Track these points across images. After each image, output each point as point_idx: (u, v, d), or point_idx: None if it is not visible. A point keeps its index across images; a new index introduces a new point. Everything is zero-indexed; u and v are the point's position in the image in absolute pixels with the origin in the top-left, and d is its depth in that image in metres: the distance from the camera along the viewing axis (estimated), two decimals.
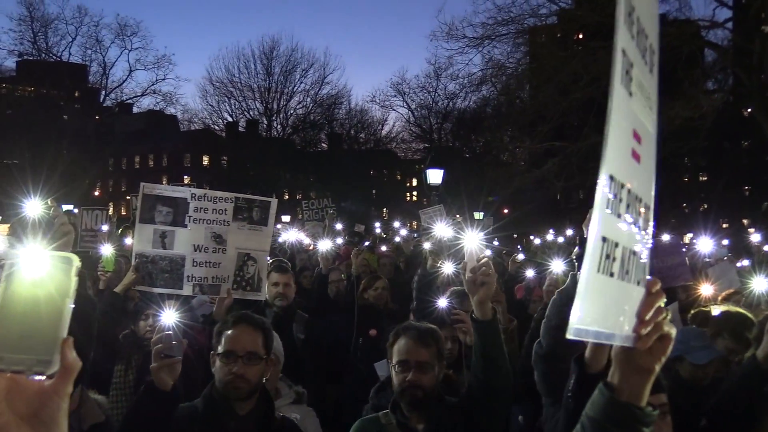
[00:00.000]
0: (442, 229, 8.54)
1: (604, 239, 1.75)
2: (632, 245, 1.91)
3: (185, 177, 62.41)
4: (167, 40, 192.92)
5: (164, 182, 61.69)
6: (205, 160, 73.48)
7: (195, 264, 6.30)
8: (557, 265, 7.43)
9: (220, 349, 4.08)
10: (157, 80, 59.18)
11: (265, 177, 54.57)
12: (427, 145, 63.61)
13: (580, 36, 39.18)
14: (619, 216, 1.82)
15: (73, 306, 1.47)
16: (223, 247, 6.36)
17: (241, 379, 3.98)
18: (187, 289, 6.31)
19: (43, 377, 1.44)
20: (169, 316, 3.94)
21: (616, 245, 1.80)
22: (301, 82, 63.91)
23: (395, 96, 63.44)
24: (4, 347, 1.42)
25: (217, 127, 65.29)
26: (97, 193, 62.08)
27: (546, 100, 31.54)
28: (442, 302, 5.74)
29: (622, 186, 1.80)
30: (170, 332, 3.81)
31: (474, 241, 3.99)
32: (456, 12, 78.58)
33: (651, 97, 1.98)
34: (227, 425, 3.94)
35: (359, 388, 6.46)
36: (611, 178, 1.72)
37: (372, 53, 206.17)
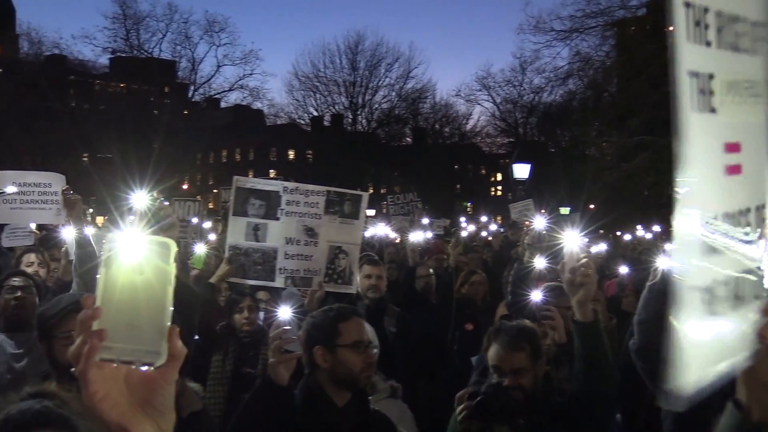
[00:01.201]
0: (541, 223, 8.40)
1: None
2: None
3: (271, 171, 63.19)
4: (254, 36, 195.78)
5: (251, 176, 62.86)
6: (291, 155, 74.17)
7: (287, 256, 6.34)
8: (662, 262, 7.23)
9: (341, 340, 4.05)
10: (244, 75, 60.01)
11: (349, 171, 54.84)
12: (511, 140, 63.02)
13: (671, 27, 38.23)
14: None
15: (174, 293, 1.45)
16: (315, 240, 6.38)
17: (373, 368, 4.00)
18: (279, 281, 6.36)
19: (152, 368, 1.44)
20: (287, 311, 3.95)
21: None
22: (386, 77, 63.92)
23: (480, 90, 62.86)
24: (112, 337, 1.41)
25: (302, 122, 65.82)
26: (185, 187, 63.25)
27: (636, 94, 30.87)
28: (536, 296, 5.64)
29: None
30: (289, 327, 3.81)
31: (575, 241, 3.89)
32: (543, 5, 77.60)
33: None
34: (326, 416, 3.93)
35: (454, 383, 6.41)
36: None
37: (457, 47, 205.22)
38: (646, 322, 4.34)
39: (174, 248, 1.47)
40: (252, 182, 6.44)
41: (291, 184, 6.44)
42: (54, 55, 59.90)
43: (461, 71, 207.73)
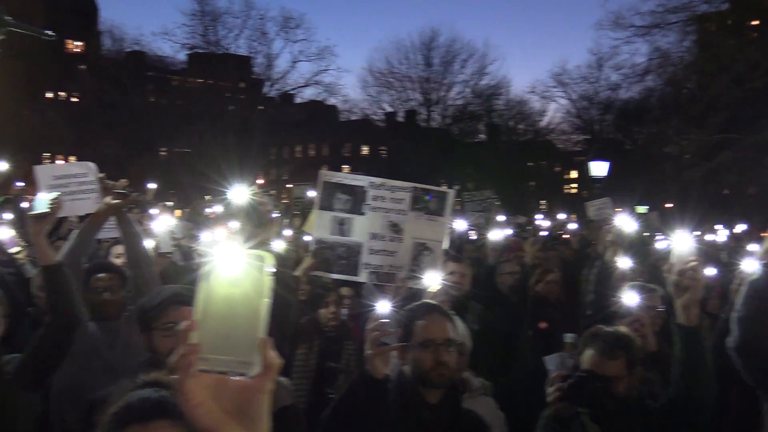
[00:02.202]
0: (625, 222, 8.26)
1: None
2: None
3: (344, 167, 63.48)
4: (329, 32, 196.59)
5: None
6: (365, 150, 74.49)
7: (372, 252, 6.34)
8: (749, 263, 7.06)
9: (414, 338, 4.05)
10: (319, 71, 60.43)
11: (423, 167, 54.79)
12: (587, 137, 62.24)
13: (756, 22, 37.30)
14: None
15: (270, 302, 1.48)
16: (399, 236, 6.37)
17: (445, 366, 3.96)
18: (362, 277, 6.36)
19: (246, 378, 1.46)
20: (385, 305, 3.95)
21: None
22: (461, 73, 63.72)
23: (555, 87, 62.16)
24: (209, 348, 1.44)
25: (376, 118, 66.03)
26: (260, 182, 64.04)
27: (719, 91, 30.16)
28: (628, 299, 5.55)
29: None
30: (387, 320, 3.81)
31: (685, 242, 3.81)
32: (623, 0, 76.37)
33: None
34: (419, 414, 3.92)
35: (526, 381, 6.35)
36: None
37: (532, 43, 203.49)
38: (748, 319, 4.28)
39: (270, 261, 1.50)
40: (338, 177, 6.45)
41: (377, 180, 6.43)
42: (134, 51, 61.23)
43: (536, 68, 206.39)
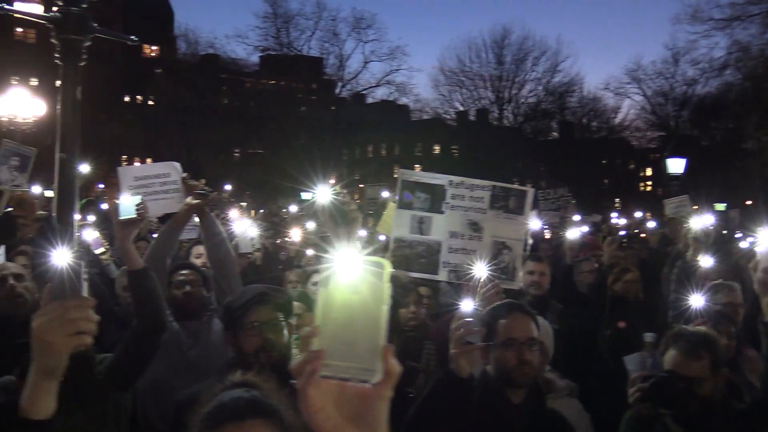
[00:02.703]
0: (707, 220, 8.11)
1: None
2: None
3: (416, 166, 63.47)
4: (401, 32, 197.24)
5: (395, 171, 63.21)
6: (436, 149, 74.31)
7: (451, 250, 6.31)
8: None
9: (497, 337, 4.04)
10: (391, 71, 60.68)
11: (495, 166, 54.50)
12: (662, 134, 61.14)
13: None
14: None
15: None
16: (479, 234, 6.33)
17: (528, 365, 3.93)
18: (442, 275, 6.34)
19: (367, 385, 1.46)
20: (468, 304, 3.95)
21: None
22: (533, 71, 63.16)
23: (630, 83, 61.18)
24: (330, 354, 1.45)
25: (448, 117, 65.87)
26: (333, 182, 64.39)
27: None
28: (697, 301, 5.44)
29: None
30: (471, 319, 3.80)
31: None
32: None
33: None
34: (503, 414, 3.89)
35: (604, 382, 6.26)
36: None
37: (606, 39, 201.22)
38: None
39: (389, 268, 1.49)
40: (417, 175, 6.44)
41: (456, 178, 6.39)
42: (209, 54, 62.18)
43: (610, 64, 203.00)
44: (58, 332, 2.23)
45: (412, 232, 6.31)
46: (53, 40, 5.89)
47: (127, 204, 4.73)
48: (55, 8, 6.04)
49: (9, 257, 7.02)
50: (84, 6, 5.83)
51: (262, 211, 17.58)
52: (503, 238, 6.37)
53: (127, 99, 66.33)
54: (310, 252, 10.85)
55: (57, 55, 5.99)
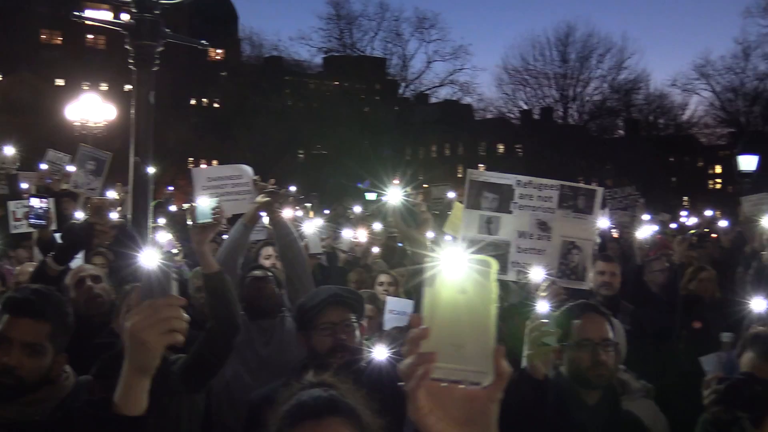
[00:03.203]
0: None
1: None
2: None
3: (480, 166, 63.20)
4: (464, 31, 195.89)
5: (459, 171, 63.09)
6: (500, 149, 73.91)
7: (519, 250, 6.29)
8: None
9: (571, 338, 4.02)
10: (454, 71, 60.64)
11: (560, 165, 53.99)
12: (732, 130, 59.82)
13: None
14: None
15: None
16: (548, 234, 6.29)
17: (602, 365, 3.91)
18: (511, 275, 6.32)
19: (478, 388, 1.44)
20: (544, 305, 3.94)
21: None
22: (598, 68, 62.30)
23: (698, 79, 59.93)
24: (440, 356, 1.42)
25: (512, 116, 65.45)
26: (396, 182, 64.41)
27: None
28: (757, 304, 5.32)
29: None
30: (546, 320, 3.79)
31: None
32: None
33: None
34: (577, 415, 3.87)
35: (680, 383, 6.16)
36: None
37: (673, 35, 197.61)
38: None
39: (495, 267, 1.46)
40: (485, 176, 6.43)
41: (524, 178, 6.37)
42: (272, 56, 62.73)
43: (677, 60, 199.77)
44: (151, 331, 2.29)
45: (480, 232, 6.30)
46: (127, 47, 6.04)
47: (204, 207, 4.78)
48: (125, 15, 6.19)
49: (86, 259, 7.19)
50: (156, 12, 5.96)
51: (327, 212, 17.62)
52: (573, 238, 6.33)
53: (193, 102, 67.16)
54: (375, 251, 10.89)
55: (131, 61, 6.13)
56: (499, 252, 6.27)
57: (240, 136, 52.28)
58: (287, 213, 6.45)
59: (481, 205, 6.29)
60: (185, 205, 21.59)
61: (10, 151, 13.02)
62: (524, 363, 3.84)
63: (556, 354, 4.01)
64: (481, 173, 6.48)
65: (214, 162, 51.19)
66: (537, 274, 5.47)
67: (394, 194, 4.32)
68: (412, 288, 4.50)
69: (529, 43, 70.50)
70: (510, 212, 6.29)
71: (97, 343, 4.87)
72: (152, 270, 2.31)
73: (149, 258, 2.32)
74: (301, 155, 63.99)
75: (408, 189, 4.58)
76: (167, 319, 2.30)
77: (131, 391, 2.40)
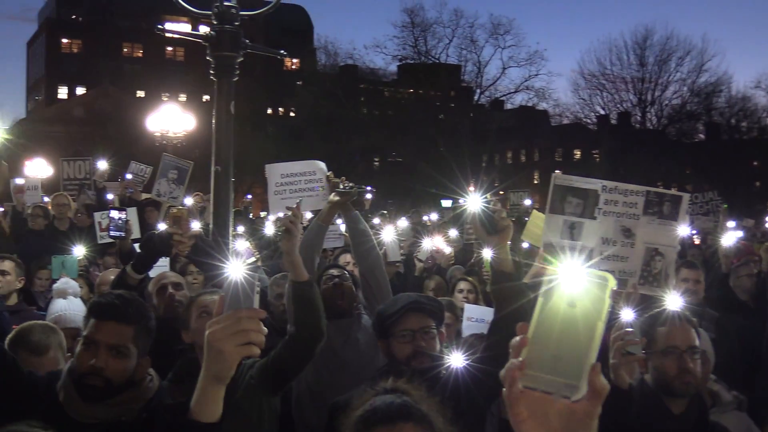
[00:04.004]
0: None
1: None
2: None
3: (556, 172, 62.44)
4: (539, 36, 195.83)
5: (535, 178, 62.64)
6: (577, 154, 73.16)
7: (602, 257, 6.18)
8: None
9: (655, 345, 3.93)
10: (529, 76, 60.20)
11: (638, 170, 53.18)
12: None
13: None
14: None
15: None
16: (631, 241, 6.16)
17: (689, 374, 3.83)
18: None
19: (569, 401, 1.42)
20: (629, 313, 3.88)
21: None
22: (677, 71, 61.34)
23: None
24: (538, 366, 1.42)
25: (588, 121, 64.76)
26: (471, 189, 64.26)
27: None
28: None
29: None
30: (631, 329, 3.73)
31: None
32: None
33: None
34: (663, 424, 3.79)
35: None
36: None
37: (756, 35, 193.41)
38: None
39: (612, 283, 1.44)
40: (571, 180, 6.32)
41: (610, 183, 6.25)
42: (348, 65, 63.20)
43: (761, 61, 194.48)
44: (229, 341, 2.31)
45: (563, 237, 6.21)
46: (208, 58, 6.12)
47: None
48: (203, 27, 6.29)
49: (181, 268, 7.37)
50: (237, 24, 6.04)
51: (403, 219, 17.66)
52: (656, 245, 6.18)
53: (269, 111, 68.14)
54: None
55: (211, 72, 6.22)
56: (581, 258, 6.18)
57: (315, 144, 52.80)
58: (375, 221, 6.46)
59: (565, 210, 6.20)
60: (262, 213, 21.95)
61: (103, 165, 13.48)
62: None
63: (640, 363, 3.93)
64: (567, 177, 6.36)
65: None
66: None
67: (474, 200, 4.27)
68: (492, 294, 4.45)
69: (606, 47, 70.07)
70: (594, 218, 6.19)
71: (178, 349, 4.94)
72: (236, 280, 2.32)
73: (235, 268, 2.34)
74: (376, 163, 64.31)
75: (488, 195, 4.52)
76: (246, 331, 2.32)
77: (206, 398, 2.44)
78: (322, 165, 6.70)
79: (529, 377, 1.42)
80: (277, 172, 6.75)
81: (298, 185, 6.60)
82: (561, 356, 1.41)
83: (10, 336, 4.72)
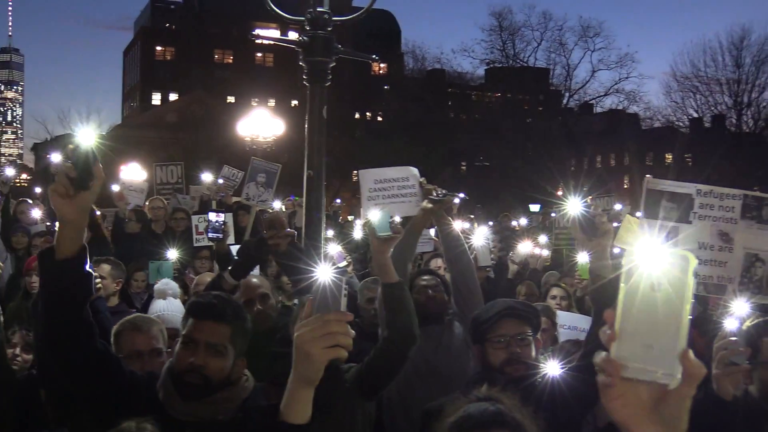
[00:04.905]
0: None
1: None
2: None
3: (647, 176, 61.08)
4: (630, 38, 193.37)
5: (625, 182, 61.53)
6: (668, 159, 71.64)
7: (700, 262, 6.04)
8: None
9: (761, 355, 3.83)
10: (620, 79, 59.38)
11: (732, 174, 51.78)
12: None
13: None
14: None
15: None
16: (729, 245, 6.01)
17: None
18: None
19: (667, 388, 1.41)
20: (732, 322, 3.79)
21: None
22: None
23: None
24: (631, 357, 1.40)
25: (680, 124, 63.30)
26: (559, 194, 63.56)
27: None
28: None
29: None
30: (737, 339, 3.64)
31: None
32: None
33: None
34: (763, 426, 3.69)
35: None
36: None
37: None
38: None
39: (694, 262, 1.40)
40: (663, 184, 6.20)
41: (705, 187, 6.11)
42: (435, 69, 63.30)
43: None
44: (317, 344, 2.36)
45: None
46: (301, 63, 6.19)
47: (383, 220, 4.78)
48: (292, 33, 6.36)
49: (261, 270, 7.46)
50: (329, 29, 6.10)
51: (491, 223, 17.57)
52: (756, 250, 6.02)
53: (357, 116, 68.62)
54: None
55: (304, 77, 6.29)
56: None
57: (403, 148, 52.95)
58: (456, 225, 6.44)
59: (659, 214, 6.09)
60: (350, 217, 22.12)
61: (208, 177, 13.97)
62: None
63: (745, 374, 3.82)
64: (660, 182, 6.25)
65: None
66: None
67: (574, 204, 4.22)
68: (591, 299, 4.39)
69: (700, 49, 68.29)
70: (689, 222, 6.06)
71: (273, 352, 5.00)
72: (324, 283, 2.35)
73: (324, 272, 2.37)
74: (463, 167, 64.13)
75: (588, 199, 4.47)
76: (333, 334, 2.35)
77: (295, 401, 2.50)
78: (416, 171, 6.71)
79: (623, 368, 1.41)
80: (370, 177, 6.78)
81: (392, 191, 6.62)
82: (652, 344, 1.39)
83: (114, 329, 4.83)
